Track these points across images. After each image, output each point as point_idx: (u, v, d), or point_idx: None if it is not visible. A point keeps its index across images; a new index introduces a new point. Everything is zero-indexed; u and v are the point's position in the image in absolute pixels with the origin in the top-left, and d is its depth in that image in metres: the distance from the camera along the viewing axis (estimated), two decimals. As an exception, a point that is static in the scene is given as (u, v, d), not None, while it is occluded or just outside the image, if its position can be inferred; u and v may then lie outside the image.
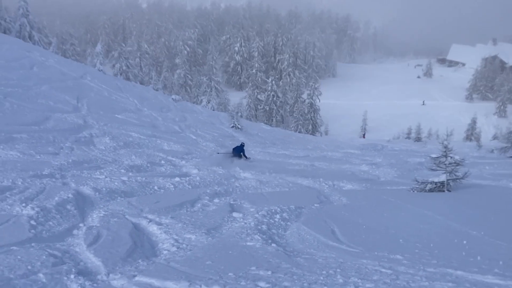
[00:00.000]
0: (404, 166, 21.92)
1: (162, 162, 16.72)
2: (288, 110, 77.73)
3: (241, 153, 21.49)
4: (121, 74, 65.20)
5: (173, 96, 43.51)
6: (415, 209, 10.12)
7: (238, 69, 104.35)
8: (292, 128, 66.30)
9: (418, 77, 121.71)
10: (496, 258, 6.45)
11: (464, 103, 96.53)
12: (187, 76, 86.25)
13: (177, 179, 13.36)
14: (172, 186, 12.40)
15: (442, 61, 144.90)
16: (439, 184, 13.09)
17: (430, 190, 13.08)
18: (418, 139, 59.08)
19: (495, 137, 62.97)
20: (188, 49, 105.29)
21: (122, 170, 13.91)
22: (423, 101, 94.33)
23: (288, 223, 8.99)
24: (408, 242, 7.40)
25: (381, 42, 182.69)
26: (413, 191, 13.23)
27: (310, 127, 68.08)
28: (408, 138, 63.37)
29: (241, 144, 22.23)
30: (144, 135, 22.45)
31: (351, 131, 70.86)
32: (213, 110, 56.13)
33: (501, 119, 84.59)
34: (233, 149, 21.98)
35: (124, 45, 76.94)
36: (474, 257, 6.50)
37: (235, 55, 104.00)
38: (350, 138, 56.64)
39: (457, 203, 10.93)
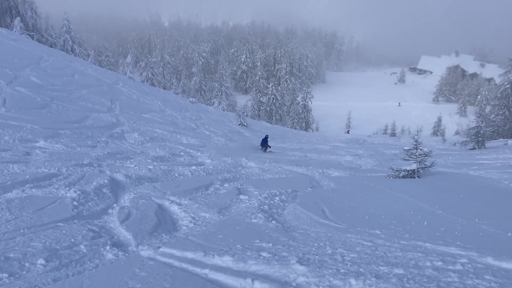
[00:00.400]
0: (381, 157, 21.90)
1: (181, 153, 16.75)
2: (286, 110, 77.74)
3: (266, 144, 22.11)
4: (147, 81, 65.14)
5: (190, 99, 43.59)
6: (391, 192, 10.11)
7: (244, 76, 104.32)
8: (289, 125, 66.34)
9: (395, 83, 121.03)
10: (457, 232, 6.44)
11: (432, 105, 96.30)
12: (202, 82, 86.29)
13: (193, 167, 13.36)
14: (190, 173, 12.40)
15: (414, 69, 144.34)
16: (410, 172, 13.07)
17: (403, 177, 13.05)
18: (393, 134, 59.10)
19: (457, 133, 62.87)
20: (202, 60, 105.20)
21: (148, 160, 13.94)
22: (399, 103, 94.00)
23: (286, 203, 8.98)
24: (385, 220, 7.38)
25: (363, 54, 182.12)
26: (389, 178, 13.20)
27: (304, 124, 68.09)
28: (385, 133, 63.38)
29: (265, 136, 23.09)
30: (166, 131, 22.46)
31: (337, 128, 70.81)
32: (223, 110, 56.16)
33: (462, 118, 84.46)
34: (261, 141, 23.13)
35: (149, 56, 76.80)
36: (439, 232, 6.48)
37: (242, 64, 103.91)
38: (337, 133, 56.64)
39: (426, 187, 10.91)
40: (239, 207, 8.53)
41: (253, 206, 8.42)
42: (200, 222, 7.38)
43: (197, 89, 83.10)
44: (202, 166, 13.92)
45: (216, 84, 76.57)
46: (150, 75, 67.18)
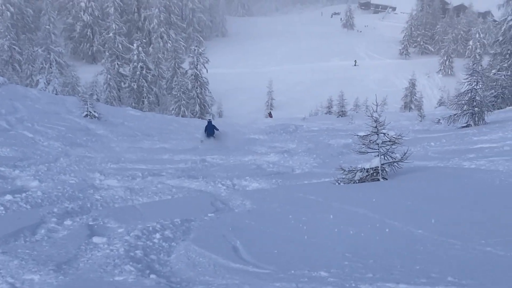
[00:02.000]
0: (325, 151, 22.59)
1: (-16, 174, 16.10)
2: (165, 86, 77.46)
3: (214, 129, 25.45)
4: None
5: (-6, 78, 41.97)
6: (342, 208, 10.42)
7: (88, 33, 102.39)
8: (173, 112, 66.29)
9: (360, 31, 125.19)
10: (449, 262, 6.71)
11: (399, 61, 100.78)
12: (14, 48, 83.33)
13: (8, 197, 12.88)
14: (2, 208, 11.94)
15: (366, 6, 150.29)
16: (371, 171, 13.56)
17: (361, 180, 13.53)
18: (342, 114, 60.93)
19: (440, 103, 66.41)
20: (12, 9, 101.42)
21: None
22: (355, 61, 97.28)
23: (173, 243, 8.95)
24: (334, 253, 7.59)
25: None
26: (339, 183, 13.62)
27: (197, 108, 68.40)
28: (330, 113, 65.30)
29: (209, 121, 26.21)
30: (-48, 138, 21.55)
31: (253, 110, 71.92)
32: (56, 93, 54.79)
33: (447, 78, 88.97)
34: (207, 131, 25.82)
35: None
36: (420, 263, 6.75)
37: (82, 13, 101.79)
38: (253, 119, 57.48)
39: (396, 194, 11.36)
40: (92, 258, 8.36)
41: (117, 254, 8.30)
42: (23, 291, 7.15)
43: (5, 61, 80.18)
44: (24, 194, 13.49)
45: (40, 50, 74.40)
46: None
